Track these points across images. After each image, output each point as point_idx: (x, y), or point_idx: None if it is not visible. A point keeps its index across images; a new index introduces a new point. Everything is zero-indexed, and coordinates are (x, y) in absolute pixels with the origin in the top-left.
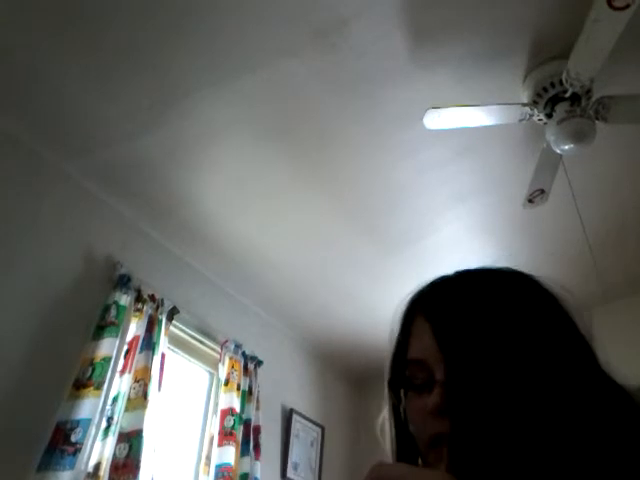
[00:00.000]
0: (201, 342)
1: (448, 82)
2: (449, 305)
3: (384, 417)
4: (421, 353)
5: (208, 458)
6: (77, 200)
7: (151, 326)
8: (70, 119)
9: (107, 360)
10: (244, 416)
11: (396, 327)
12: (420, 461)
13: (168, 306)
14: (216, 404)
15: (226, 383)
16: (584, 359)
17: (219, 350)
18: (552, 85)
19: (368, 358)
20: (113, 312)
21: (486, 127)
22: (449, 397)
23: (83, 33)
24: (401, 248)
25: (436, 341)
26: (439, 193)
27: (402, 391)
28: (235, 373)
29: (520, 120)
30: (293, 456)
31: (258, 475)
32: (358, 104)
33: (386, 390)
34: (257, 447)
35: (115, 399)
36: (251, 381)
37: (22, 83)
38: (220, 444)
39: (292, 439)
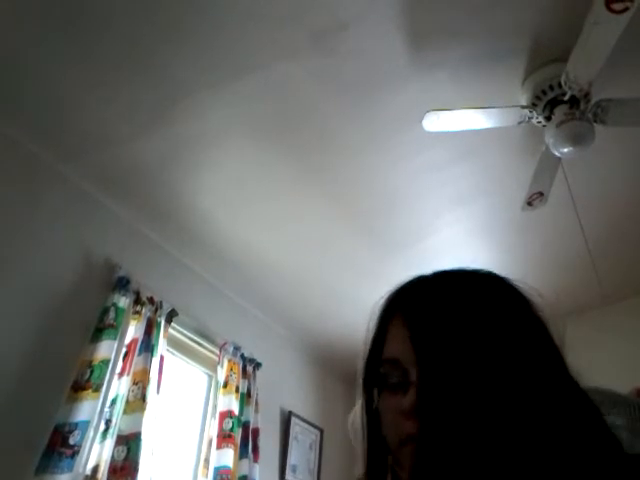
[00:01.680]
0: (200, 344)
1: (447, 85)
2: (426, 308)
3: (355, 413)
4: (397, 353)
5: (207, 461)
6: (76, 202)
7: (150, 328)
8: (68, 120)
9: (106, 362)
10: (243, 418)
11: (373, 325)
12: (390, 460)
13: (167, 308)
14: (215, 406)
15: (225, 385)
16: (554, 368)
17: (218, 352)
18: (551, 88)
19: None
20: (112, 314)
21: (485, 130)
22: (419, 399)
23: (82, 34)
24: (400, 250)
25: (411, 343)
26: (438, 195)
27: (376, 390)
28: (234, 375)
29: (519, 123)
30: (292, 459)
31: (257, 477)
32: (357, 106)
33: (360, 387)
34: (256, 450)
35: (113, 401)
36: (250, 383)
37: (20, 84)
38: (219, 446)
39: (291, 442)
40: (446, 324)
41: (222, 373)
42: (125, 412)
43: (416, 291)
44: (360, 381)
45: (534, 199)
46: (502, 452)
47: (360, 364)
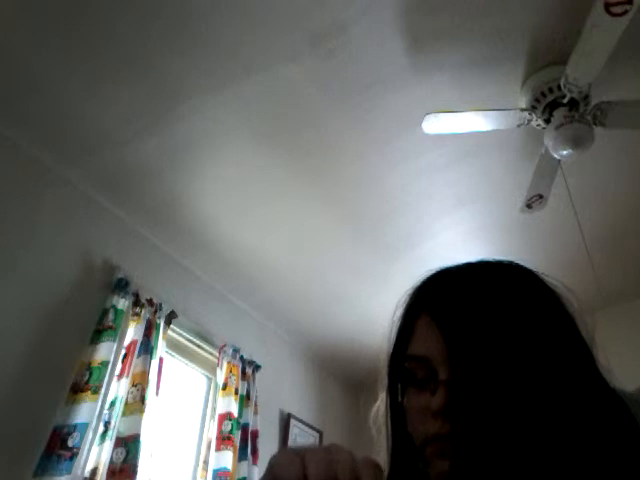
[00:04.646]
0: (199, 346)
1: (447, 87)
2: (455, 306)
3: (379, 407)
4: (425, 351)
5: (206, 463)
6: (76, 204)
7: (149, 330)
8: (69, 123)
9: (105, 364)
10: (242, 420)
11: (397, 319)
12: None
13: (166, 310)
14: (214, 408)
15: (224, 387)
16: (585, 366)
17: (217, 354)
18: (550, 90)
19: (367, 363)
20: (111, 316)
21: (485, 132)
22: (453, 400)
23: (83, 38)
24: (400, 253)
25: (444, 342)
26: (438, 198)
27: (400, 386)
28: (233, 377)
29: (518, 125)
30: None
31: None
32: (357, 109)
33: (386, 382)
34: (255, 452)
35: (112, 403)
36: (249, 385)
37: (21, 87)
38: (218, 449)
39: (290, 444)
40: (477, 324)
41: (221, 375)
42: (124, 414)
43: (442, 287)
44: (384, 375)
45: (533, 201)
46: (536, 453)
47: (383, 359)
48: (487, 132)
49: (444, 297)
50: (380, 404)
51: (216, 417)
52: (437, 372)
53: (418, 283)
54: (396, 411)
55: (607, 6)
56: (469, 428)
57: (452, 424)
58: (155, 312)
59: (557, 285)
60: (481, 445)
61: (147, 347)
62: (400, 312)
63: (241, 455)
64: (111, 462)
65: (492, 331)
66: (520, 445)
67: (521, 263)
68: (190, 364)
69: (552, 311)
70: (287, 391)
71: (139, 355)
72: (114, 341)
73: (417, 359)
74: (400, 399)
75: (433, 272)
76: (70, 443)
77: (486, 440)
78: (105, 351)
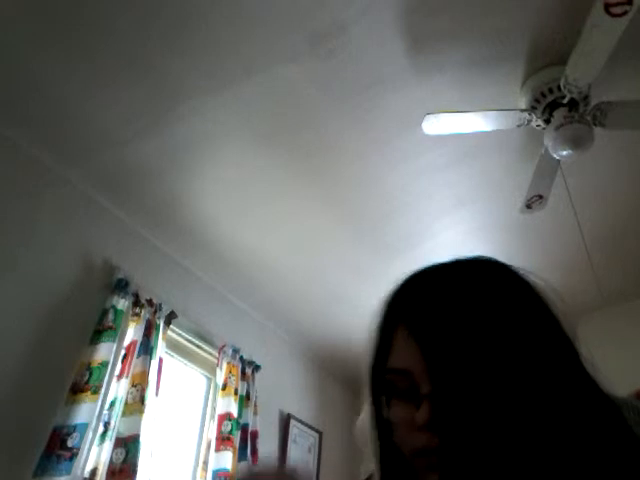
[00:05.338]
0: (199, 347)
1: (447, 88)
2: (432, 318)
3: (363, 420)
4: (404, 364)
5: (205, 463)
6: (76, 205)
7: (149, 330)
8: (69, 123)
9: (104, 364)
10: (242, 421)
11: (375, 332)
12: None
13: (166, 311)
14: (213, 409)
15: (224, 388)
16: (570, 371)
17: (217, 355)
18: (550, 91)
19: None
20: (111, 316)
21: (484, 133)
22: (438, 414)
23: (83, 39)
24: (400, 253)
25: (422, 355)
26: (438, 198)
27: (384, 398)
28: (233, 378)
29: (518, 126)
30: (291, 461)
31: None
32: (357, 110)
33: (369, 396)
34: (255, 452)
35: (112, 404)
36: (249, 386)
37: (21, 87)
38: (217, 449)
39: (290, 444)
40: (454, 335)
41: (221, 375)
42: (124, 414)
43: (417, 297)
44: (366, 389)
45: (533, 202)
46: (525, 462)
47: (364, 372)
48: (487, 132)
49: (419, 309)
50: (364, 416)
51: (216, 417)
52: (419, 385)
53: (393, 291)
54: (381, 423)
55: (607, 6)
56: (455, 441)
57: (439, 438)
58: (155, 312)
59: (538, 282)
60: (469, 457)
61: (147, 347)
62: (378, 322)
63: (241, 455)
64: (111, 462)
65: (470, 341)
66: (508, 455)
67: (498, 260)
68: (190, 364)
69: (533, 313)
70: (287, 391)
71: (139, 355)
72: (114, 341)
73: (398, 372)
74: (385, 411)
75: (407, 277)
76: (70, 443)
77: (473, 452)
78: (105, 351)
